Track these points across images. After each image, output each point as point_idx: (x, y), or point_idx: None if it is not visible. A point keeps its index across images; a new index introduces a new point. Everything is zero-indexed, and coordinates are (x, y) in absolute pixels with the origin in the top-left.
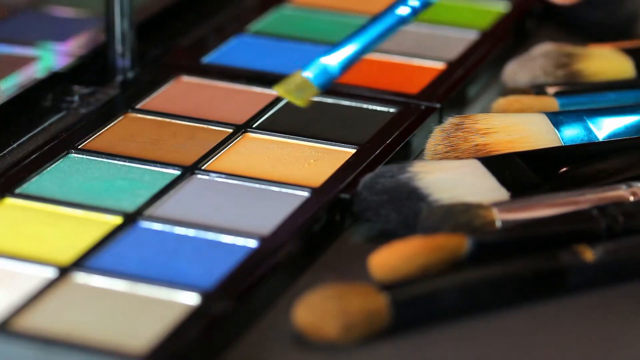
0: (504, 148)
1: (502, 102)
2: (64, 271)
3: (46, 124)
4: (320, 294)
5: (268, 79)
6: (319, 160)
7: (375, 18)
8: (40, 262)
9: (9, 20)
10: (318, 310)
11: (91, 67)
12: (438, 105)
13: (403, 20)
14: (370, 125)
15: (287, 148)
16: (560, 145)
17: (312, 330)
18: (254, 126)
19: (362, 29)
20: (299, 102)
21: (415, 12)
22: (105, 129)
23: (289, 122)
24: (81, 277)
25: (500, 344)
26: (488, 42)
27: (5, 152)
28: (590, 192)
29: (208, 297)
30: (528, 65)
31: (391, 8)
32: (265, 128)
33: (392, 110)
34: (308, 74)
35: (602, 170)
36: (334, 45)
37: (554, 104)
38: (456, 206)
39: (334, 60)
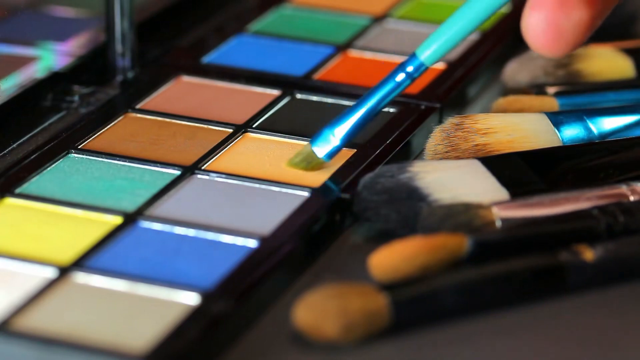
0: (504, 148)
1: (502, 102)
2: (64, 271)
3: (46, 124)
4: (320, 294)
5: (268, 79)
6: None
7: (376, 86)
8: (40, 262)
9: (9, 20)
10: (318, 310)
11: (91, 67)
12: (438, 105)
13: (401, 87)
14: (370, 125)
15: (287, 148)
16: (560, 145)
17: (312, 330)
18: (254, 126)
19: (363, 98)
20: (307, 170)
21: (412, 78)
22: (105, 129)
23: (289, 122)
24: (81, 277)
25: (500, 344)
26: (488, 42)
27: (5, 152)
28: (590, 191)
29: (208, 297)
30: (528, 65)
31: (390, 75)
32: (265, 128)
33: (392, 110)
34: (315, 147)
35: (602, 170)
36: (338, 117)
37: (554, 104)
38: (456, 206)
39: (338, 132)
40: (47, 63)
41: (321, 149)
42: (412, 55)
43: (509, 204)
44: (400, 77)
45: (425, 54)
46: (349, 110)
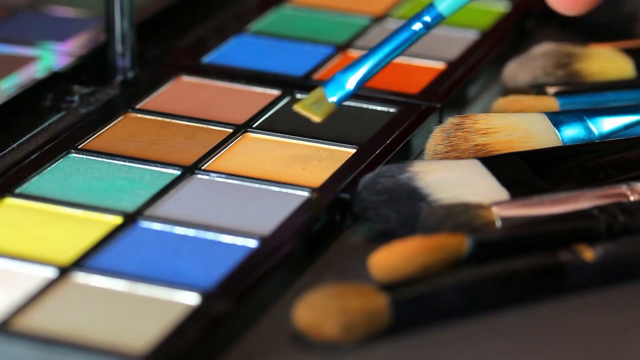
0: (504, 148)
1: (502, 102)
2: (64, 271)
3: (46, 124)
4: (320, 294)
5: (268, 79)
6: (321, 162)
7: (391, 35)
8: (40, 262)
9: (9, 20)
10: (318, 310)
11: (91, 67)
12: (438, 105)
13: (417, 35)
14: (370, 125)
15: (287, 148)
16: (561, 145)
17: (312, 330)
18: (254, 126)
19: (378, 45)
20: (316, 116)
21: (428, 27)
22: (105, 129)
23: (289, 122)
24: (81, 277)
25: (500, 344)
26: (488, 42)
27: (5, 152)
28: (590, 191)
29: (208, 297)
30: (528, 65)
31: (406, 24)
32: (265, 128)
33: (392, 110)
34: (327, 92)
35: (602, 170)
36: (352, 63)
37: (554, 104)
38: (456, 206)
39: (351, 76)
40: (47, 63)
41: (333, 94)
42: (430, 5)
43: (509, 204)
44: (417, 26)
45: (444, 5)
46: (363, 57)
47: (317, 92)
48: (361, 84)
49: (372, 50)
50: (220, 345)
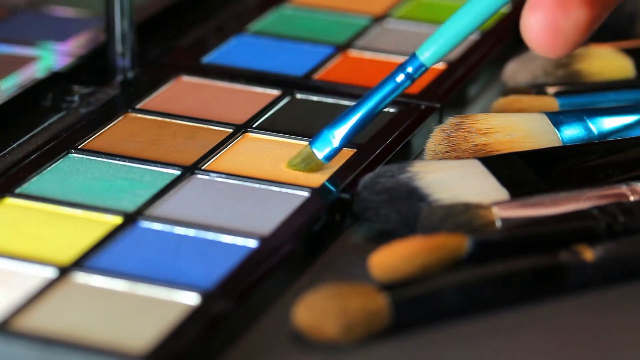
0: (504, 148)
1: (502, 102)
2: (64, 271)
3: (46, 124)
4: (320, 294)
5: (268, 79)
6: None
7: (376, 87)
8: (40, 262)
9: (9, 20)
10: (318, 310)
11: (91, 67)
12: (438, 105)
13: (401, 88)
14: (370, 125)
15: (287, 148)
16: (560, 145)
17: (312, 330)
18: (254, 126)
19: (363, 98)
20: (306, 171)
21: (411, 78)
22: (105, 129)
23: (289, 122)
24: (81, 277)
25: (500, 344)
26: (488, 42)
27: (5, 152)
28: (590, 191)
29: (208, 297)
30: (528, 65)
31: (390, 76)
32: (265, 128)
33: (392, 110)
34: (315, 149)
35: (602, 170)
36: (338, 118)
37: (554, 104)
38: (456, 206)
39: (338, 133)
40: (47, 63)
41: (320, 151)
42: (412, 56)
43: (509, 204)
44: (400, 77)
45: (425, 55)
46: (349, 111)
47: (304, 151)
48: (347, 139)
49: (357, 105)
50: (220, 345)
